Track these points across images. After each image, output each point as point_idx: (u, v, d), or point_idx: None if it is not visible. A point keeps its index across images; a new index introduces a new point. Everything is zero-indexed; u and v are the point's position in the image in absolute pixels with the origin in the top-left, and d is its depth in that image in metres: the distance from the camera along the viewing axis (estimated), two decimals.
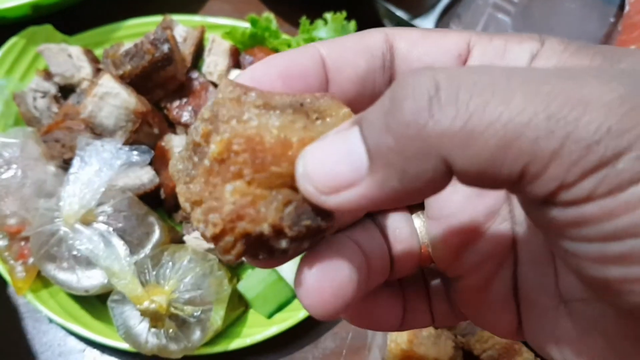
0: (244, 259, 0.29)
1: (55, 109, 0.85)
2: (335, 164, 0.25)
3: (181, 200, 0.28)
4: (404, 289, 0.37)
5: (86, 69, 0.87)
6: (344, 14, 0.88)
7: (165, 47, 0.81)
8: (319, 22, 0.89)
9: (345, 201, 0.25)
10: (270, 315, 0.79)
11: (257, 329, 0.77)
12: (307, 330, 0.81)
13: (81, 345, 0.81)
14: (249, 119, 0.26)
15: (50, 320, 0.80)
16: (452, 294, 0.36)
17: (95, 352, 0.80)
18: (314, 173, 0.25)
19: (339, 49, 0.31)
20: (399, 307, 0.36)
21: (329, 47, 0.31)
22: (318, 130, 0.27)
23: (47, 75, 0.87)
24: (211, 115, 0.27)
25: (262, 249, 0.28)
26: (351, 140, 0.25)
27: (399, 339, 0.68)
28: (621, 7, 1.05)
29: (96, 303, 0.79)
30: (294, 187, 0.27)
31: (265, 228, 0.26)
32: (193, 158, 0.28)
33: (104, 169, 0.71)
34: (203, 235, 0.27)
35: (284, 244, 0.27)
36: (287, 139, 0.26)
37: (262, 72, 0.30)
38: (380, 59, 0.31)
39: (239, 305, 0.79)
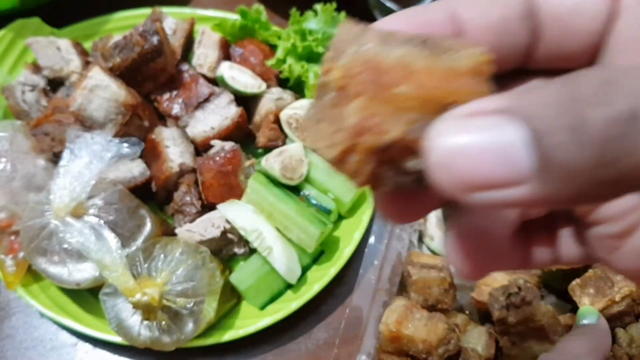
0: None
1: (44, 102, 0.84)
2: (487, 162, 0.21)
3: (308, 144, 0.28)
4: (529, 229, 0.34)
5: (75, 62, 0.87)
6: (334, 5, 0.88)
7: (155, 39, 0.80)
8: (309, 13, 0.89)
9: (493, 201, 0.22)
10: (263, 307, 0.79)
11: (250, 321, 0.77)
12: (300, 321, 0.81)
13: (73, 339, 0.80)
14: (368, 48, 0.25)
15: (42, 315, 0.79)
16: (587, 239, 0.33)
17: (88, 346, 0.80)
18: (455, 166, 0.22)
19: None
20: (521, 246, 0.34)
21: None
22: (444, 62, 0.25)
23: (36, 68, 0.86)
24: (333, 54, 0.26)
25: (392, 172, 0.26)
26: (510, 138, 0.21)
27: (388, 321, 0.69)
28: None
29: (88, 296, 0.78)
30: (421, 110, 0.24)
31: (393, 135, 0.24)
32: (320, 99, 0.27)
33: (94, 162, 0.71)
34: (330, 162, 0.26)
35: (414, 164, 0.25)
36: (409, 64, 0.25)
37: (390, 24, 0.28)
38: (520, 5, 0.28)
39: (231, 297, 0.79)
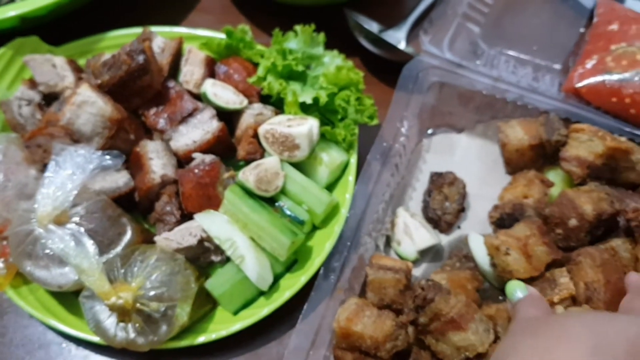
0: None
1: (39, 116, 0.90)
2: None
3: None
4: None
5: (69, 78, 0.92)
6: (313, 26, 0.92)
7: (141, 58, 0.85)
8: (290, 33, 0.93)
9: None
10: (236, 312, 0.83)
11: (223, 325, 0.81)
12: (272, 327, 0.85)
13: (59, 338, 0.86)
14: None
15: (31, 315, 0.84)
16: None
17: (72, 345, 0.85)
18: None
19: None
20: None
21: None
22: None
23: (32, 84, 0.92)
24: None
25: None
26: None
27: (340, 318, 0.73)
28: (591, 18, 1.07)
29: (73, 299, 0.83)
30: None
31: None
32: None
33: (77, 173, 0.76)
34: None
35: None
36: None
37: None
38: None
39: (207, 303, 0.83)
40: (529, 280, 0.75)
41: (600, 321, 0.59)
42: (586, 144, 0.86)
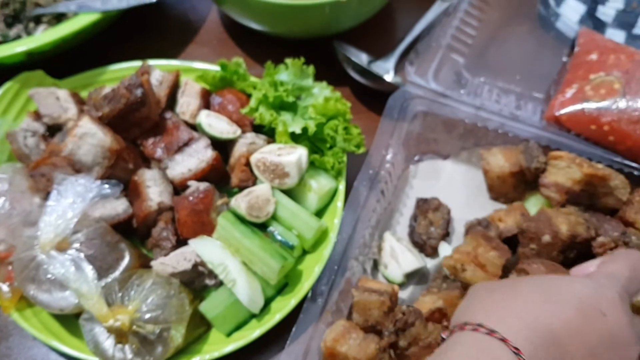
0: None
1: (43, 146, 0.95)
2: None
3: None
4: None
5: (72, 110, 0.97)
6: (302, 59, 0.97)
7: (139, 92, 0.90)
8: (282, 66, 0.98)
9: None
10: (229, 334, 0.87)
11: (216, 346, 0.85)
12: (264, 348, 0.89)
13: (61, 359, 0.89)
14: None
15: (34, 337, 0.88)
16: None
17: None
18: None
19: None
20: None
21: None
22: None
23: (37, 116, 0.97)
24: None
25: None
26: None
27: (327, 338, 0.77)
28: (572, 47, 1.11)
29: (75, 321, 0.87)
30: None
31: None
32: None
33: (77, 201, 0.80)
34: None
35: None
36: None
37: None
38: None
39: (201, 325, 0.87)
40: None
41: (552, 281, 0.64)
42: (564, 171, 0.90)
